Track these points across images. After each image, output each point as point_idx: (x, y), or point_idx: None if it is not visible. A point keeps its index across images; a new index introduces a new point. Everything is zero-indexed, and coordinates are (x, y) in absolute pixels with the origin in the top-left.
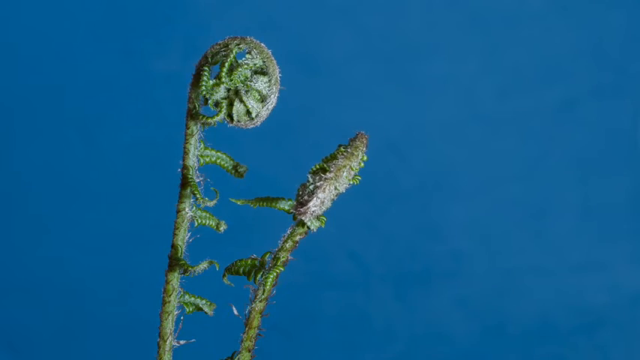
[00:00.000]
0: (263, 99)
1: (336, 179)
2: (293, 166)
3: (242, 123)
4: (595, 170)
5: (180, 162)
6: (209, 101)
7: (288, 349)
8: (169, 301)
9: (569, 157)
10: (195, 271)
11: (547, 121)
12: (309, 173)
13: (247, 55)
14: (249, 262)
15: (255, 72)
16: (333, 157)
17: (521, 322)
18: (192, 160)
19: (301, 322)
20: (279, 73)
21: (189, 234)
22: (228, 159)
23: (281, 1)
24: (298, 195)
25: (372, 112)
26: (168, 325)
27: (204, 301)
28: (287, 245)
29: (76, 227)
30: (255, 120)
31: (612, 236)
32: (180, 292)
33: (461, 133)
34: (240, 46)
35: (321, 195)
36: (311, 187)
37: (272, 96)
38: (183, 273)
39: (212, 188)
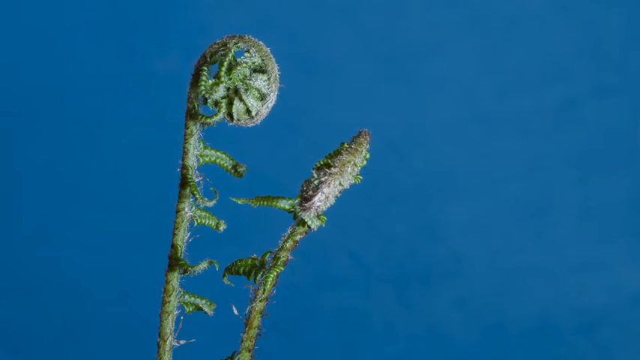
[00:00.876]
0: (263, 97)
1: (340, 174)
2: (293, 166)
3: (242, 122)
4: (595, 170)
5: (180, 162)
6: (208, 101)
7: (288, 349)
8: (169, 301)
9: (569, 157)
10: (195, 271)
11: (547, 121)
12: (314, 169)
13: (246, 54)
14: (249, 262)
15: (254, 70)
16: (337, 153)
17: (521, 322)
18: (191, 160)
19: (301, 322)
20: (279, 71)
21: (188, 234)
22: (227, 159)
23: (281, 1)
24: (302, 191)
25: (372, 112)
26: (168, 325)
27: (204, 301)
28: (287, 245)
29: (75, 227)
30: (255, 118)
31: (612, 236)
32: (180, 292)
33: (461, 133)
34: (239, 44)
35: (326, 190)
36: (316, 182)
37: (271, 94)
38: (183, 273)
39: (211, 188)
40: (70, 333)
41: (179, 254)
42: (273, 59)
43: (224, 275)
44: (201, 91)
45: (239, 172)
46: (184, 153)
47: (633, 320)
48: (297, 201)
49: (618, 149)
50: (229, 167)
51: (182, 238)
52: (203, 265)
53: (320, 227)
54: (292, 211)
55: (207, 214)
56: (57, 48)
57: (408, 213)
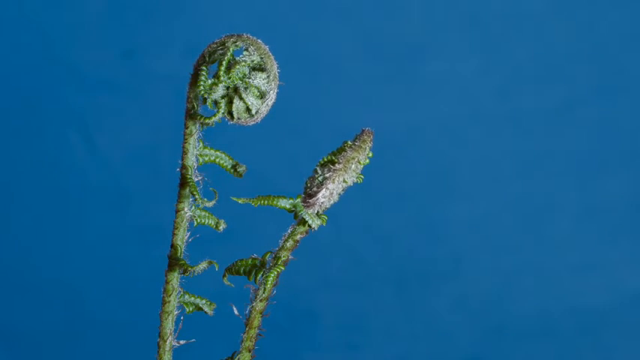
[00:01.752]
0: (262, 95)
1: (345, 171)
2: (293, 166)
3: (242, 120)
4: (595, 170)
5: (180, 161)
6: (208, 100)
7: (288, 349)
8: (169, 301)
9: (569, 157)
10: (194, 271)
11: (547, 121)
12: (318, 166)
13: (244, 52)
14: (249, 261)
15: (253, 68)
16: (341, 150)
17: (521, 322)
18: (191, 160)
19: (301, 322)
20: (278, 68)
21: (188, 234)
22: (227, 158)
23: (281, 0)
24: (306, 187)
25: (372, 112)
26: (168, 325)
27: (204, 301)
28: (288, 244)
29: (75, 227)
30: (256, 117)
31: (612, 236)
32: (180, 292)
33: (461, 133)
34: (237, 43)
35: (330, 186)
36: (320, 178)
37: (271, 92)
38: (183, 273)
39: (211, 189)
40: (70, 333)
41: (179, 254)
42: (272, 57)
43: (224, 275)
44: (201, 91)
45: (238, 171)
46: (184, 153)
47: (633, 320)
48: (300, 198)
49: (618, 149)
50: (229, 167)
51: (182, 238)
52: (203, 265)
53: (320, 227)
54: (293, 211)
55: (207, 214)
56: (57, 48)
57: (408, 213)
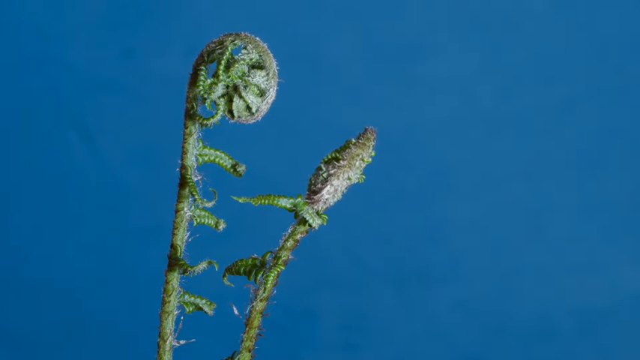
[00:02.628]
0: (262, 93)
1: (349, 167)
2: (292, 166)
3: (243, 118)
4: (595, 170)
5: (179, 161)
6: (207, 101)
7: (288, 349)
8: (169, 301)
9: (569, 157)
10: (194, 271)
11: (547, 121)
12: (322, 163)
13: (243, 51)
14: (249, 261)
15: (253, 66)
16: (345, 148)
17: (521, 322)
18: (190, 160)
19: (301, 322)
20: (277, 66)
21: (188, 233)
22: (227, 158)
23: (281, 0)
24: (310, 184)
25: (372, 112)
26: (168, 325)
27: (204, 301)
28: (288, 244)
29: (75, 227)
30: (256, 115)
31: (612, 236)
32: (180, 292)
33: (461, 133)
34: (236, 42)
35: (335, 182)
36: (324, 174)
37: (271, 89)
38: (183, 273)
39: (210, 189)
40: (70, 333)
41: (179, 254)
42: (271, 55)
43: (224, 275)
44: (200, 91)
45: (238, 171)
46: (183, 153)
47: (633, 320)
48: (300, 197)
49: (618, 149)
50: (229, 166)
51: (181, 238)
52: (203, 265)
53: (320, 227)
54: (293, 210)
55: (207, 214)
56: (57, 48)
57: (408, 213)
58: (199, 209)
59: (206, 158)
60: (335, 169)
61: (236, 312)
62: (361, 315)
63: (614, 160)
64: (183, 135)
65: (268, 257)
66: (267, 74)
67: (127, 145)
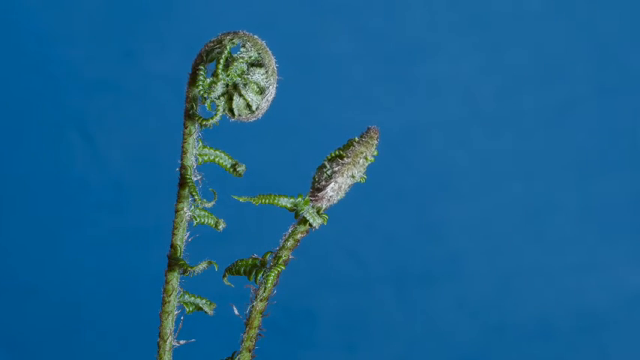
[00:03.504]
0: (262, 91)
1: (353, 165)
2: (292, 166)
3: (243, 117)
4: (595, 170)
5: (179, 161)
6: (207, 101)
7: (288, 349)
8: (169, 301)
9: (569, 157)
10: (194, 271)
11: (547, 121)
12: (326, 160)
13: (242, 49)
14: (249, 261)
15: (252, 64)
16: (349, 146)
17: (521, 322)
18: (190, 160)
19: (301, 322)
20: (276, 64)
21: (188, 233)
22: (227, 157)
23: (281, 0)
24: (314, 181)
25: (372, 112)
26: (168, 325)
27: (204, 301)
28: (288, 244)
29: (75, 227)
30: (257, 112)
31: (612, 236)
32: (180, 291)
33: (461, 133)
34: (234, 40)
35: (339, 180)
36: (328, 172)
37: (270, 87)
38: (183, 273)
39: (210, 189)
40: (70, 333)
41: (178, 254)
42: (270, 52)
43: (224, 275)
44: (200, 91)
45: (238, 171)
46: (183, 153)
47: (633, 320)
48: (302, 196)
49: (618, 149)
50: (228, 166)
51: (181, 238)
52: (203, 265)
53: (320, 227)
54: (293, 210)
55: (207, 213)
56: (56, 48)
57: (408, 213)
58: (199, 209)
59: (206, 158)
60: (339, 167)
61: (236, 312)
62: (361, 315)
63: (614, 160)
64: (183, 135)
65: (268, 257)
66: (267, 72)
67: (126, 145)
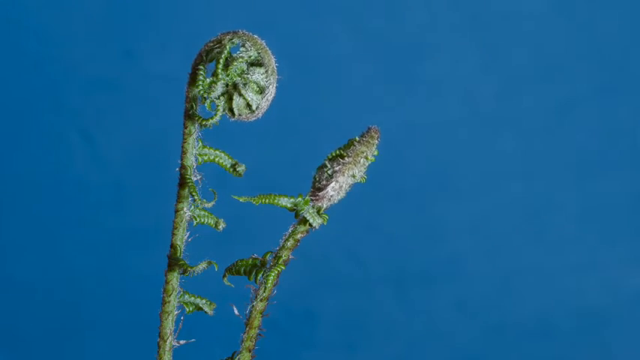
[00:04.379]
0: (262, 90)
1: (354, 164)
2: (292, 166)
3: (243, 116)
4: (595, 170)
5: (179, 161)
6: (207, 101)
7: (288, 349)
8: (169, 301)
9: (569, 157)
10: (194, 271)
11: (547, 121)
12: (327, 160)
13: (241, 49)
14: (249, 261)
15: (251, 64)
16: (349, 145)
17: (521, 322)
18: (190, 160)
19: (301, 322)
20: (276, 63)
21: (188, 233)
22: (226, 157)
23: (281, 0)
24: (315, 181)
25: (372, 112)
26: (168, 325)
27: (204, 301)
28: (288, 244)
29: (75, 227)
30: (257, 112)
31: (612, 236)
32: (180, 291)
33: (461, 133)
34: (234, 40)
35: (340, 179)
36: (329, 171)
37: (270, 86)
38: (183, 273)
39: (210, 189)
40: (70, 333)
41: (178, 254)
42: (269, 52)
43: (224, 275)
44: (200, 91)
45: (238, 171)
46: (183, 153)
47: (633, 320)
48: (302, 196)
49: (618, 149)
50: (228, 166)
51: (181, 238)
52: (203, 265)
53: (320, 227)
54: (294, 209)
55: (206, 213)
56: (56, 48)
57: (408, 213)
58: (199, 209)
59: (206, 158)
60: (340, 166)
61: (236, 312)
62: (361, 315)
63: (614, 160)
64: (183, 135)
65: (268, 257)
66: (266, 71)
67: (126, 145)
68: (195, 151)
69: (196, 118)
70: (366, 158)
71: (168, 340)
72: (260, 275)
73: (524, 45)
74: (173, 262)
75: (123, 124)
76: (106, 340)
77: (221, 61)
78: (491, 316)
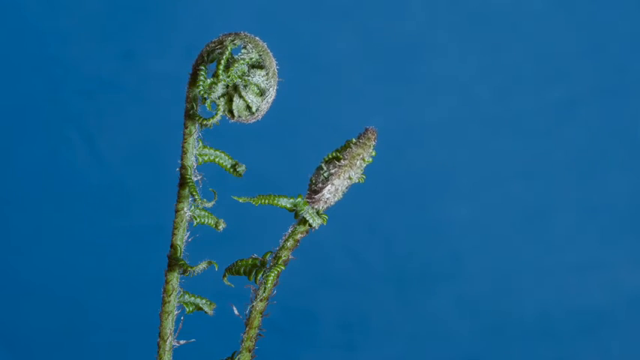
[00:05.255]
0: (262, 92)
1: (350, 167)
2: (293, 166)
3: (243, 118)
4: (595, 170)
5: (179, 161)
6: (207, 101)
7: (288, 349)
8: (169, 301)
9: (569, 157)
10: (194, 271)
11: (547, 121)
12: (323, 162)
13: (243, 50)
14: (249, 261)
15: (252, 66)
16: (346, 147)
17: (521, 322)
18: (190, 160)
19: (301, 322)
20: (277, 65)
21: (188, 233)
22: (227, 158)
23: (281, 0)
24: (311, 183)
25: (371, 112)
26: (168, 325)
27: (204, 301)
28: (288, 244)
29: (75, 227)
30: (256, 114)
31: (612, 236)
32: (180, 291)
33: (461, 133)
34: (235, 41)
35: (336, 182)
36: (325, 174)
37: (271, 89)
38: (183, 273)
39: (210, 189)
40: (70, 333)
41: (178, 254)
42: (271, 54)
43: (224, 275)
44: (200, 91)
45: (238, 171)
46: (183, 153)
47: (633, 320)
48: (301, 197)
49: (618, 149)
50: (228, 166)
51: (181, 238)
52: (203, 265)
53: (320, 227)
54: (293, 210)
55: (207, 213)
56: (57, 48)
57: (408, 213)
58: (199, 209)
59: (206, 158)
60: (336, 169)
61: (236, 312)
62: (361, 315)
63: (614, 160)
64: (183, 135)
65: (268, 257)
66: (267, 73)
67: (127, 145)
68: (196, 151)
69: (197, 118)
70: (363, 160)
71: (168, 340)
72: (260, 275)
73: (524, 45)
74: (173, 262)
75: (123, 124)
76: (107, 340)
77: (222, 62)
78: (491, 315)
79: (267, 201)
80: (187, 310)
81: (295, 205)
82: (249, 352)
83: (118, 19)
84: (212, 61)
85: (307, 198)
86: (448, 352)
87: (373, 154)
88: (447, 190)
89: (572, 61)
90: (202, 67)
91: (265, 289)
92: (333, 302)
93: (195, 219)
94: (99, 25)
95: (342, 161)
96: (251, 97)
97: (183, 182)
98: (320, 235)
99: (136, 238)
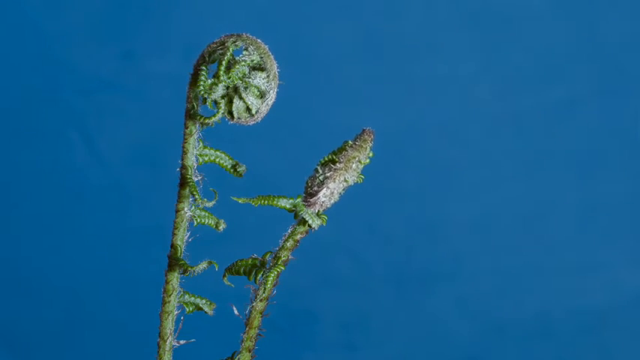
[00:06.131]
0: (262, 95)
1: (346, 170)
2: (292, 166)
3: (243, 120)
4: (595, 170)
5: (180, 161)
6: (207, 100)
7: (288, 349)
8: (169, 301)
9: (569, 157)
10: (194, 271)
11: (547, 121)
12: (319, 165)
13: (244, 52)
14: (249, 261)
15: (253, 68)
16: (342, 150)
17: (521, 322)
18: (191, 160)
19: (301, 322)
20: (277, 68)
21: (188, 233)
22: (227, 158)
23: (282, 1)
24: (307, 186)
25: (371, 112)
26: (168, 325)
27: (204, 301)
28: (288, 244)
29: (75, 227)
30: (256, 116)
31: (612, 236)
32: (180, 291)
33: (461, 133)
34: (237, 43)
35: (331, 185)
36: (321, 177)
37: (271, 91)
38: (183, 273)
39: (211, 189)
40: (70, 333)
41: (179, 254)
42: (272, 56)
43: (224, 275)
44: (200, 91)
45: (238, 171)
46: (184, 153)
47: (633, 320)
48: (300, 198)
49: (618, 149)
50: (229, 167)
51: (182, 238)
52: (203, 265)
53: (320, 227)
54: (293, 210)
55: (207, 214)
56: (57, 48)
57: (408, 213)
58: (199, 209)
59: (206, 158)
60: (331, 172)
61: (236, 312)
62: (361, 315)
63: (614, 161)
64: (184, 135)
65: (268, 257)
66: (268, 76)
67: (127, 145)
68: (196, 152)
69: (197, 118)
70: (359, 162)
71: (168, 340)
72: (260, 275)
73: (525, 45)
74: (173, 262)
75: (123, 124)
76: (107, 340)
77: (223, 63)
78: (491, 315)
79: (266, 202)
80: (187, 310)
81: (295, 206)
82: (249, 352)
83: (118, 19)
84: (213, 62)
85: (303, 201)
86: (448, 352)
87: (370, 155)
88: (446, 190)
89: (572, 61)
90: (203, 68)
91: (265, 289)
92: (333, 302)
93: (196, 219)
94: (99, 25)
95: (337, 164)
96: (251, 99)
97: (183, 182)
98: (320, 235)
99: (137, 238)
